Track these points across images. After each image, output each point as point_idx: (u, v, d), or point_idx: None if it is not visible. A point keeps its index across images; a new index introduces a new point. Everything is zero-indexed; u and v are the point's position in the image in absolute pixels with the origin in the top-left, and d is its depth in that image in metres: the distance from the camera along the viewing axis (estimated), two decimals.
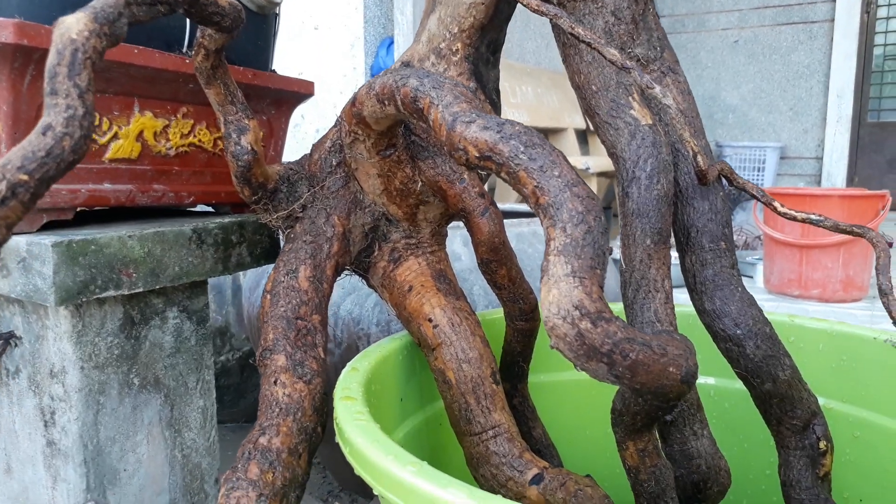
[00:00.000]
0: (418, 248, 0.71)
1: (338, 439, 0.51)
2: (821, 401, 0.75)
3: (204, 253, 0.71)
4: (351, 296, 1.15)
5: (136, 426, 0.72)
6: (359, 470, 0.45)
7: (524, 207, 1.85)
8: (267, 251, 0.78)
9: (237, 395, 1.90)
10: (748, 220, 3.28)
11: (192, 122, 0.73)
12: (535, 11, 0.56)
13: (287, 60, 2.50)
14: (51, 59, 0.32)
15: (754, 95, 4.50)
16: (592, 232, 0.36)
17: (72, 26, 0.33)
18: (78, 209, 0.65)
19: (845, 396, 0.73)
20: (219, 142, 0.76)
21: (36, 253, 0.58)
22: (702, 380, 0.81)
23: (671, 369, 0.35)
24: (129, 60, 0.62)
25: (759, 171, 4.40)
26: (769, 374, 0.60)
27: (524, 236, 1.38)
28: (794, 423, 0.63)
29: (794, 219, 0.62)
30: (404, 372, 0.69)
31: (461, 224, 1.20)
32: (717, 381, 0.81)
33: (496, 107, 0.70)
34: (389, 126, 0.60)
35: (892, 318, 0.54)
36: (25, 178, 0.29)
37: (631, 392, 0.43)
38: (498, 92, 0.71)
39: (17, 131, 0.58)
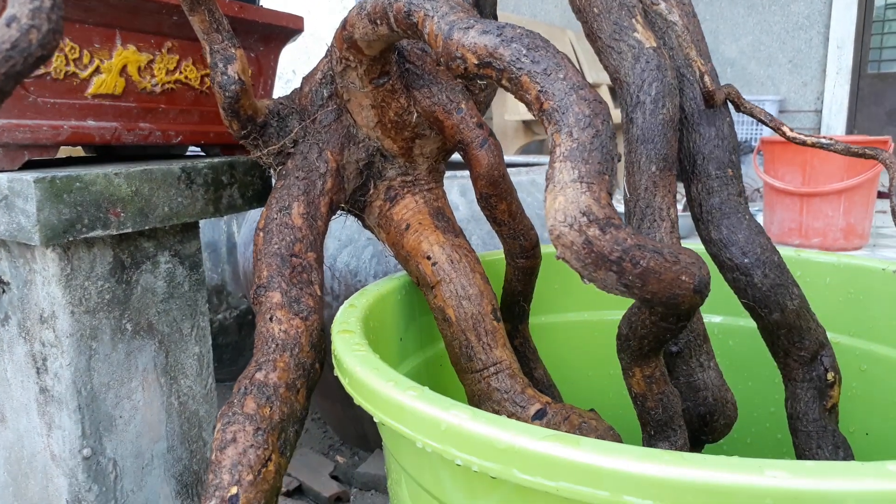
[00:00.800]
0: (415, 185, 0.68)
1: (336, 372, 0.49)
2: (828, 335, 0.74)
3: (194, 193, 0.69)
4: (347, 248, 1.14)
5: (131, 372, 0.70)
6: (358, 399, 0.43)
7: (522, 159, 1.83)
8: (259, 193, 0.76)
9: (236, 353, 1.89)
10: (747, 172, 3.26)
11: (177, 57, 0.70)
12: None
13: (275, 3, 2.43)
14: None
15: (753, 48, 4.43)
16: (600, 136, 0.34)
17: None
18: (61, 147, 0.62)
19: (852, 330, 0.71)
20: (206, 79, 0.73)
21: (18, 190, 0.56)
22: (707, 317, 0.80)
23: (684, 277, 0.34)
24: None
25: (757, 125, 4.36)
26: (777, 304, 0.58)
27: (523, 185, 1.36)
28: (802, 354, 0.61)
29: (804, 143, 0.60)
30: (403, 312, 0.67)
31: (458, 174, 1.17)
32: (722, 319, 0.79)
33: None
34: (382, 50, 0.58)
35: None
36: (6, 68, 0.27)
37: (641, 303, 0.42)
38: (495, 16, 0.68)
39: None
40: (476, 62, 0.39)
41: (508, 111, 2.72)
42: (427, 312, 0.72)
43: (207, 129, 0.75)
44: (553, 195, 0.33)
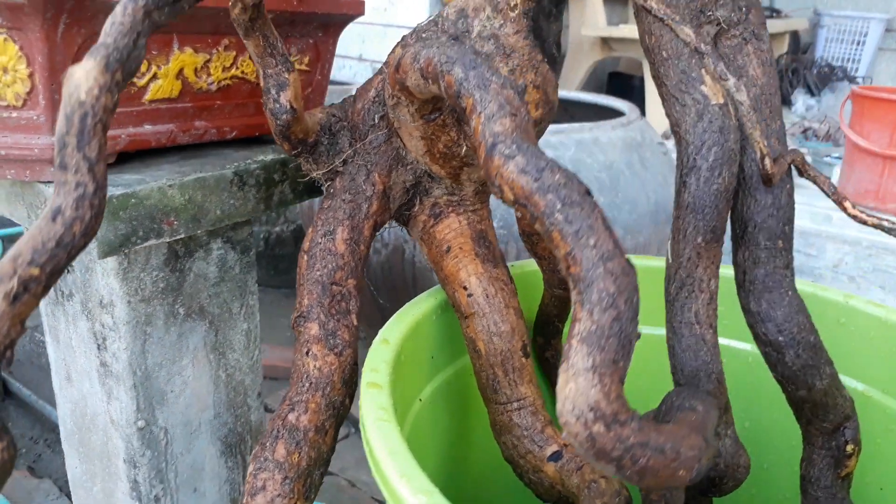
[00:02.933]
0: (460, 205, 0.68)
1: (361, 427, 0.52)
2: (861, 386, 0.73)
3: (246, 194, 0.70)
4: None
5: (182, 352, 0.75)
6: (374, 474, 0.47)
7: (588, 97, 1.76)
8: (309, 187, 0.77)
9: (291, 263, 1.97)
10: (836, 105, 3.06)
11: (234, 53, 0.70)
12: None
13: None
14: (59, 125, 0.30)
15: None
16: (620, 319, 0.34)
17: (80, 84, 0.30)
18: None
19: (888, 387, 0.71)
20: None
21: None
22: (739, 345, 0.80)
23: (681, 472, 0.34)
24: None
25: (858, 44, 4.04)
26: (805, 383, 0.58)
27: (584, 144, 1.32)
28: (825, 426, 0.62)
29: (864, 223, 0.57)
30: (438, 331, 0.69)
31: None
32: (752, 348, 0.79)
33: (554, 60, 0.64)
34: (434, 96, 0.56)
35: None
36: (36, 272, 0.28)
37: None
38: (559, 45, 0.65)
39: (54, 82, 0.56)
40: (512, 198, 0.39)
41: (586, 25, 2.58)
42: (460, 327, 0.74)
43: (262, 120, 0.75)
44: (565, 379, 0.34)
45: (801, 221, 1.75)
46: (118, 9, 0.34)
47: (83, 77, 0.31)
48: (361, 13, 0.78)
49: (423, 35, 0.60)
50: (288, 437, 0.53)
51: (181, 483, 0.80)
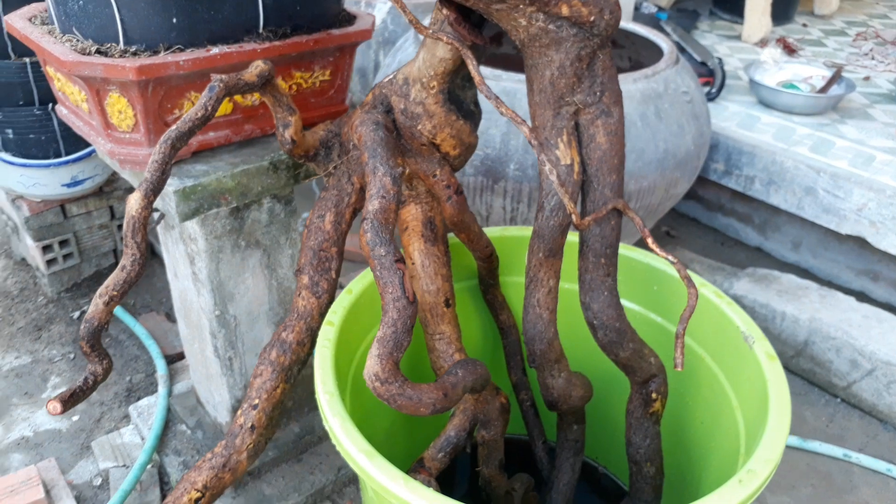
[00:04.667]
0: (417, 198, 0.98)
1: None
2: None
3: (279, 175, 1.04)
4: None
5: (245, 269, 1.13)
6: (314, 379, 0.82)
7: (635, 28, 1.88)
8: None
9: None
10: None
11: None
12: (485, 96, 0.76)
13: None
14: (125, 225, 0.64)
15: None
16: (396, 332, 0.66)
17: (133, 205, 0.64)
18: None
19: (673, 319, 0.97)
20: (293, 86, 1.03)
21: (166, 193, 0.95)
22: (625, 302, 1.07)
23: (421, 409, 0.67)
24: (214, 65, 0.90)
25: None
26: (612, 352, 0.86)
27: (630, 93, 1.51)
28: (636, 378, 0.90)
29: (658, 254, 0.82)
30: None
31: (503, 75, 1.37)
32: (640, 309, 1.06)
33: (474, 116, 0.90)
34: None
35: None
36: (115, 293, 0.63)
37: None
38: (476, 103, 0.90)
39: (147, 115, 0.91)
40: (366, 248, 0.70)
41: None
42: None
43: None
44: (369, 358, 0.67)
45: (838, 163, 1.84)
46: (156, 148, 0.67)
47: (133, 202, 0.64)
48: (368, 37, 1.05)
49: (377, 93, 0.88)
50: (279, 347, 0.90)
51: (246, 350, 1.21)
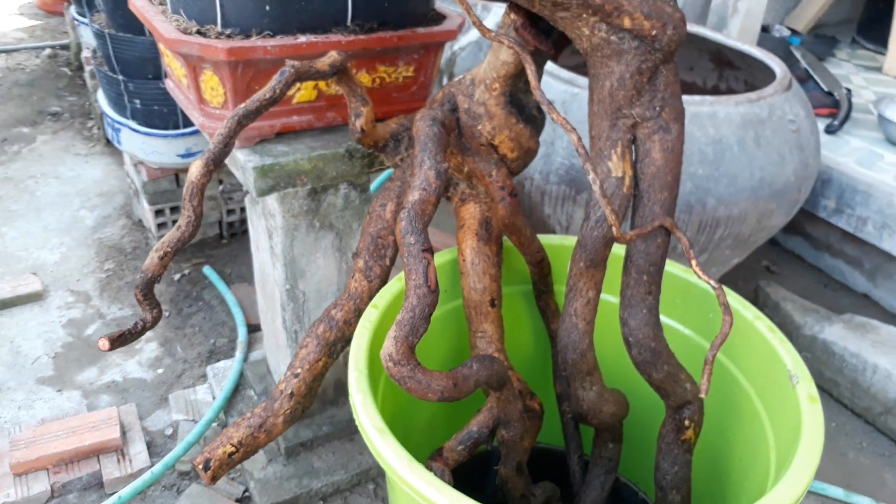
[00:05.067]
0: (476, 197, 1.01)
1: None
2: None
3: (353, 163, 1.09)
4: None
5: (317, 249, 1.20)
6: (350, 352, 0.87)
7: (746, 49, 1.81)
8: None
9: None
10: None
11: (354, 70, 1.06)
12: (545, 108, 0.78)
13: None
14: (185, 189, 0.70)
15: None
16: (414, 317, 0.69)
17: (193, 172, 0.70)
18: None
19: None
20: (376, 79, 1.08)
21: (247, 169, 1.02)
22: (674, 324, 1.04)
23: (430, 395, 0.69)
24: (300, 53, 0.96)
25: None
26: (645, 372, 0.85)
27: (699, 117, 1.49)
28: (670, 403, 0.88)
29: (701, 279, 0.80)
30: (448, 278, 1.04)
31: None
32: (692, 333, 1.03)
33: (536, 121, 0.91)
34: None
35: None
36: (170, 250, 0.70)
37: None
38: (540, 109, 0.92)
39: (236, 94, 0.98)
40: (398, 233, 0.74)
41: None
42: None
43: (377, 110, 1.11)
44: (387, 336, 0.70)
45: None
46: (224, 122, 0.73)
47: (195, 168, 0.71)
48: (453, 38, 1.08)
49: (447, 91, 0.91)
50: (326, 322, 0.95)
51: None
